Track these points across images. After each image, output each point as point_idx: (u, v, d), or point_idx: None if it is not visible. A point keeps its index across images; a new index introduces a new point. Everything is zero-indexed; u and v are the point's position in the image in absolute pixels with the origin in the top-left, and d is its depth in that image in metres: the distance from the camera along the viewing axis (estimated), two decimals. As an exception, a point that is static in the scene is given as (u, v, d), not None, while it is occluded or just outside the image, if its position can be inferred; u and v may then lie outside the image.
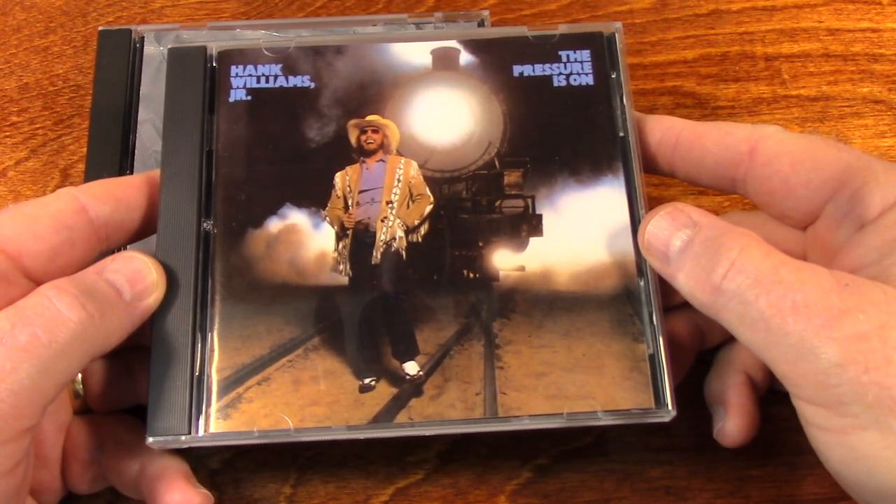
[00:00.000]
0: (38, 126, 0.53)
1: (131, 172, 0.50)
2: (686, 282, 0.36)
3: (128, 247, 0.47)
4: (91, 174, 0.49)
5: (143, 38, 0.53)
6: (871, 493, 0.34)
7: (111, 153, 0.50)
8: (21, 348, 0.33)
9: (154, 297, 0.38)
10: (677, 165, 0.42)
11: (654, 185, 0.51)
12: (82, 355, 0.35)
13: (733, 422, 0.41)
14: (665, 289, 0.39)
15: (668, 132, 0.42)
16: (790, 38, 0.55)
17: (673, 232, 0.37)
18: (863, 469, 0.33)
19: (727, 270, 0.35)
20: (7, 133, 0.53)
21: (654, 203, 0.40)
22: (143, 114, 0.51)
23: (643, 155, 0.42)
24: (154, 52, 0.52)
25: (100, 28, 0.53)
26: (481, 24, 0.53)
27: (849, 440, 0.33)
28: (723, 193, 0.50)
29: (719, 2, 0.56)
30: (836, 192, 0.39)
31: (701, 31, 0.56)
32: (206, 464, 0.44)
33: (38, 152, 0.53)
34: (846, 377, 0.32)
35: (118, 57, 0.52)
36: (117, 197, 0.39)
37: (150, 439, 0.37)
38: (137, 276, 0.38)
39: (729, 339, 0.43)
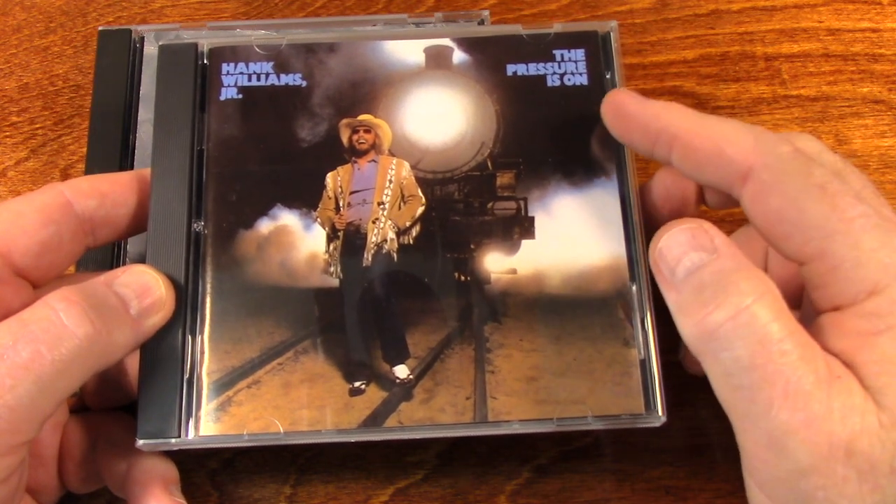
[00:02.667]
0: (38, 126, 0.54)
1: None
2: (678, 307, 0.34)
3: (128, 248, 0.47)
4: (91, 174, 0.49)
5: (143, 38, 0.53)
6: None
7: (111, 153, 0.50)
8: (22, 365, 0.32)
9: (161, 316, 0.38)
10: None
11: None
12: (85, 371, 0.34)
13: None
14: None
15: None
16: (790, 38, 0.55)
17: (688, 250, 0.34)
18: None
19: (728, 318, 0.32)
20: (7, 133, 0.53)
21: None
22: (142, 114, 0.51)
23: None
24: (154, 53, 0.52)
25: (100, 28, 0.53)
26: (481, 24, 0.52)
27: None
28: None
29: (719, 2, 0.56)
30: (814, 259, 0.34)
31: (701, 31, 0.55)
32: (206, 464, 0.44)
33: (38, 152, 0.53)
34: (802, 486, 0.31)
35: (118, 57, 0.52)
36: (103, 192, 0.39)
37: (140, 442, 0.37)
38: (146, 291, 0.37)
39: None
